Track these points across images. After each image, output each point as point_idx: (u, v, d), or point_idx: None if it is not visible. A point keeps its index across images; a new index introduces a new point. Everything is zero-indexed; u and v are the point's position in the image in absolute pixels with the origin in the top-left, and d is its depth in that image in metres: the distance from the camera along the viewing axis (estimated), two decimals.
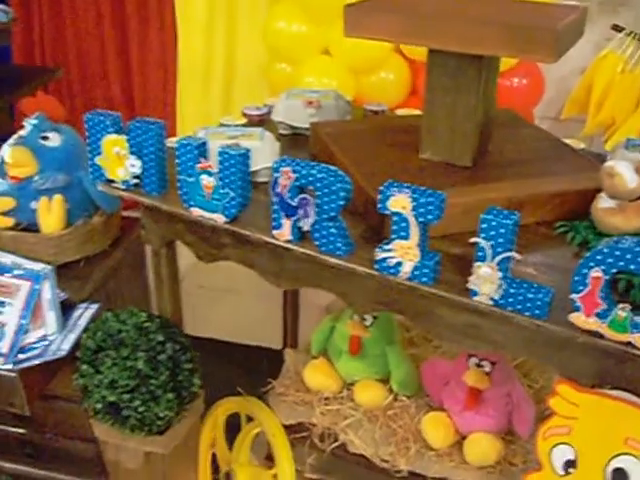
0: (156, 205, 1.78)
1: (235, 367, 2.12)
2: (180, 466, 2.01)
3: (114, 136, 1.71)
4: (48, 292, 2.02)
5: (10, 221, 2.16)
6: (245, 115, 2.17)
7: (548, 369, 2.26)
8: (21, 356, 1.99)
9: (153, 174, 1.76)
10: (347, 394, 2.19)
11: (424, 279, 1.49)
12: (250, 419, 2.24)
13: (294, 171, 1.52)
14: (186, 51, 3.49)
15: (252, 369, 2.44)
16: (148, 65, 3.74)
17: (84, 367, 1.85)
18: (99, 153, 1.77)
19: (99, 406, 1.83)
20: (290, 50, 3.08)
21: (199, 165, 1.64)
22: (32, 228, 2.16)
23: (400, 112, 2.28)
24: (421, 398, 2.16)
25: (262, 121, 2.15)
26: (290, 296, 2.68)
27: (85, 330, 1.98)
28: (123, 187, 1.80)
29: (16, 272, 2.04)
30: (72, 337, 2.01)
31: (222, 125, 2.04)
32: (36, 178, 2.13)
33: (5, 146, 2.18)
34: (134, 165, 1.74)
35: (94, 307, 2.09)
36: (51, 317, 2.02)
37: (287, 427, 2.13)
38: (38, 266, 2.04)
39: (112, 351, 1.82)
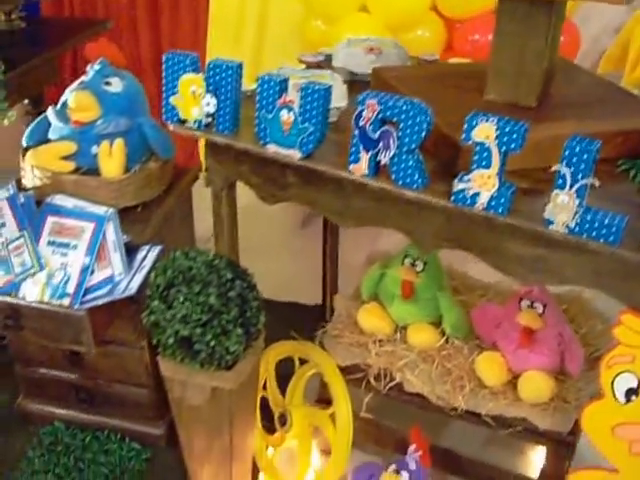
0: (229, 143, 1.88)
1: (276, 322, 2.22)
2: (243, 403, 2.12)
3: (192, 75, 1.81)
4: (112, 233, 2.12)
5: (71, 165, 2.25)
6: (302, 62, 2.27)
7: (592, 315, 2.38)
8: (88, 296, 2.10)
9: (228, 112, 1.86)
10: (400, 337, 2.30)
11: (500, 209, 1.60)
12: (303, 363, 2.36)
13: (380, 103, 1.62)
14: (218, 6, 3.57)
15: (292, 323, 2.54)
16: (178, 21, 3.80)
17: (155, 303, 1.94)
18: (174, 93, 1.86)
19: (171, 341, 1.93)
20: (327, 7, 3.17)
21: (280, 100, 1.73)
22: (91, 173, 2.26)
23: (452, 61, 2.39)
24: (472, 340, 2.28)
25: (319, 68, 2.24)
26: (329, 252, 2.78)
27: (151, 270, 2.08)
28: (195, 127, 1.90)
29: (80, 214, 2.15)
30: (139, 277, 2.11)
31: (282, 69, 2.13)
32: (99, 122, 2.23)
33: (68, 91, 2.27)
34: (209, 103, 1.83)
35: (157, 249, 2.18)
36: (117, 258, 2.12)
37: (342, 369, 2.25)
38: (101, 209, 2.15)
39: (184, 287, 1.92)
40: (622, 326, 1.70)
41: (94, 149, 2.24)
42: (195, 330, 1.90)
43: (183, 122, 1.91)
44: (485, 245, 1.73)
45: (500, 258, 1.72)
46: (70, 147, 2.23)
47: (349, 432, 2.20)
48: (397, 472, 2.11)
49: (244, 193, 2.05)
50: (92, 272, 2.11)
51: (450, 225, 1.74)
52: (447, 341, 2.27)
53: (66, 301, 2.08)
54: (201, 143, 3.63)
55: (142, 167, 2.28)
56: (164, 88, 1.88)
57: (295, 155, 1.79)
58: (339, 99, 1.92)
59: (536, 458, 2.52)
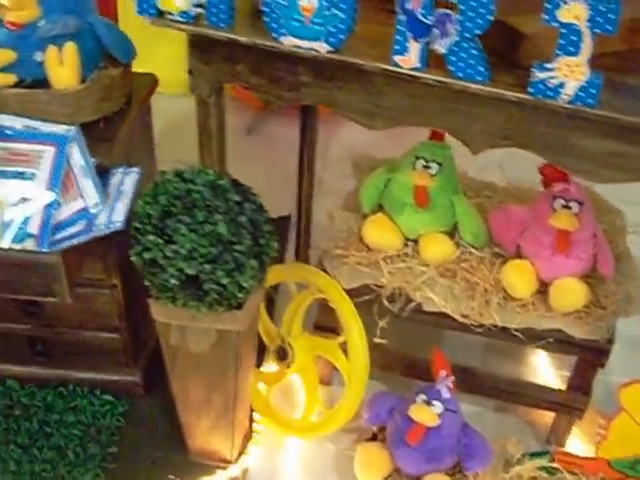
0: (230, 38, 1.60)
1: None
2: (249, 344, 1.88)
3: None
4: (79, 156, 1.80)
5: (11, 78, 1.88)
6: None
7: (608, 211, 2.22)
8: (58, 236, 1.78)
9: (222, 1, 1.57)
10: (411, 251, 2.07)
11: (589, 101, 1.39)
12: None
13: None
14: None
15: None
16: None
17: (150, 238, 1.65)
18: None
19: (172, 282, 1.66)
20: None
21: None
22: (38, 85, 1.90)
23: None
24: (490, 249, 2.08)
25: None
26: (307, 159, 2.52)
27: (135, 197, 1.78)
28: (182, 20, 1.61)
29: (34, 136, 1.81)
30: (121, 206, 1.80)
31: None
32: (41, 23, 1.85)
33: None
34: None
35: (135, 171, 1.87)
36: (88, 185, 1.80)
37: (348, 292, 2.02)
38: (60, 128, 1.82)
39: (185, 216, 1.64)
40: None
41: (38, 56, 1.87)
42: (204, 267, 1.63)
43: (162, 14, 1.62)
44: (548, 142, 1.54)
45: (566, 156, 1.56)
46: (8, 55, 1.85)
47: (365, 362, 1.99)
48: (428, 403, 1.91)
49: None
50: (59, 205, 1.77)
51: (509, 121, 1.54)
52: (462, 252, 2.07)
53: (30, 243, 1.75)
54: None
55: (100, 75, 1.92)
56: None
57: (322, 48, 1.51)
58: None
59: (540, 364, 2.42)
